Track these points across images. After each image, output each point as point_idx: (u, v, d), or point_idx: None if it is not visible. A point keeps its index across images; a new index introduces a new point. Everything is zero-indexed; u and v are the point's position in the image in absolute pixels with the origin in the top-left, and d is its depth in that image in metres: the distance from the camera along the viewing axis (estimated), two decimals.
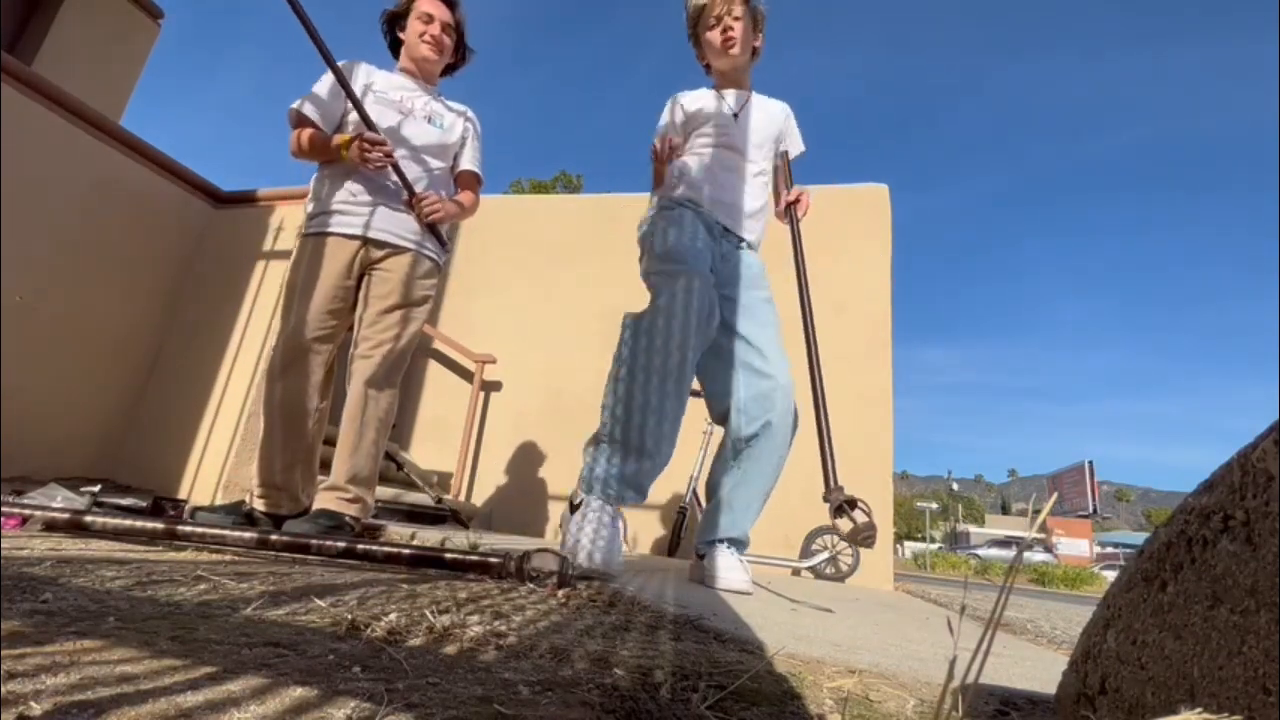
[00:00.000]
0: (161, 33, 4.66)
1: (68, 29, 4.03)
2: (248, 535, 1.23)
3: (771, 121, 1.94)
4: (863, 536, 1.41)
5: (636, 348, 1.56)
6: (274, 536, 1.23)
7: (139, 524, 1.22)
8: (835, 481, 1.55)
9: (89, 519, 1.24)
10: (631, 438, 1.50)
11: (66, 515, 1.23)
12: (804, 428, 1.77)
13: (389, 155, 1.83)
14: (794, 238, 1.92)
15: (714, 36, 1.85)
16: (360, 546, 1.15)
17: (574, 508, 1.51)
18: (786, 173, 2.01)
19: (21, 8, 3.97)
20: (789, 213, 1.95)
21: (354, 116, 1.90)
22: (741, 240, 1.87)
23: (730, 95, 1.91)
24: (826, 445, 1.61)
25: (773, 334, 1.78)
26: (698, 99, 1.90)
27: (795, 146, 2.03)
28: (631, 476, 1.51)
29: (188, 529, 1.22)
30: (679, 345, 1.55)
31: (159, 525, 1.23)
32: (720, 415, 1.76)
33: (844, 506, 1.48)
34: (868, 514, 1.46)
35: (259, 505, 1.85)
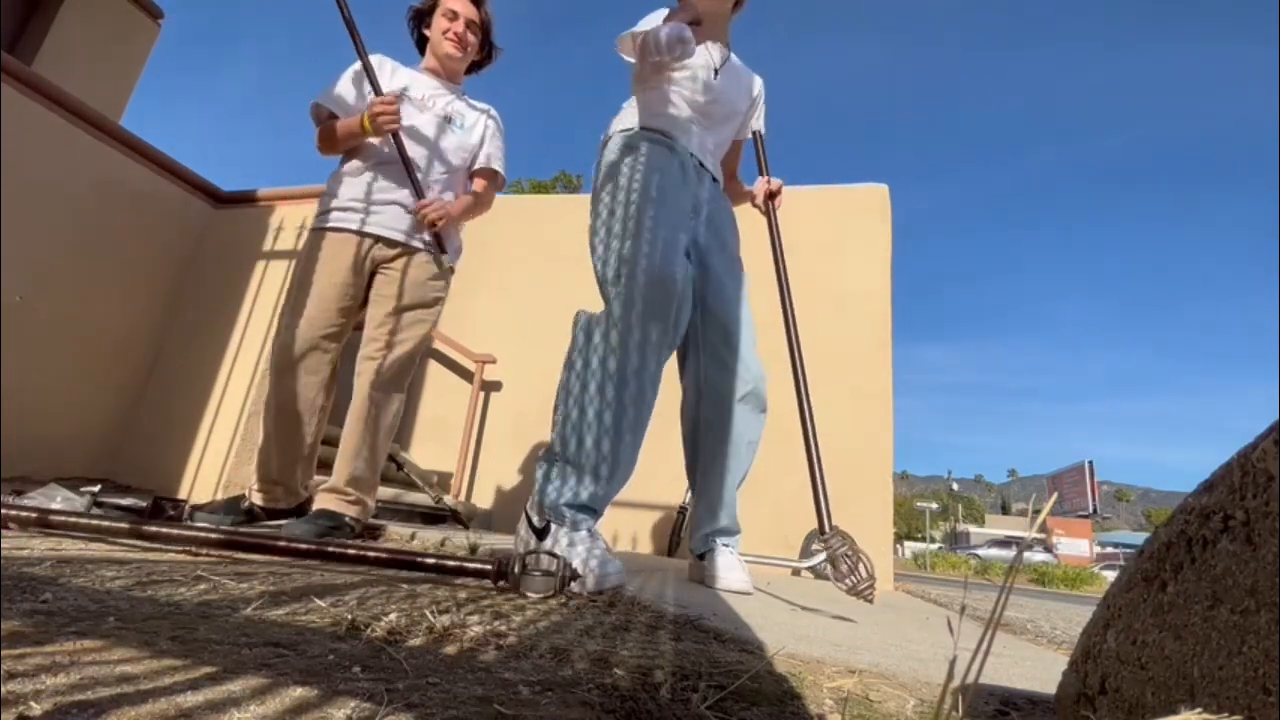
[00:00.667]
0: (161, 33, 4.66)
1: (68, 29, 4.03)
2: (246, 539, 1.23)
3: (749, 90, 1.79)
4: (863, 591, 1.38)
5: (591, 353, 1.36)
6: (273, 540, 1.23)
7: (146, 527, 1.22)
8: (830, 523, 1.48)
9: (72, 519, 1.24)
10: (585, 459, 1.31)
11: (35, 514, 1.21)
12: (795, 436, 1.71)
13: (396, 113, 1.78)
14: (772, 231, 1.80)
15: None
16: (352, 550, 1.15)
17: (539, 532, 1.34)
18: (763, 157, 1.86)
19: (21, 8, 3.97)
20: (769, 204, 1.83)
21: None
22: (714, 178, 1.70)
23: (715, 49, 1.71)
24: (818, 477, 1.52)
25: (743, 309, 1.67)
26: None
27: (760, 127, 1.89)
28: (588, 501, 1.32)
29: (184, 532, 1.21)
30: (641, 348, 1.34)
31: (159, 528, 1.23)
32: (685, 403, 1.69)
33: (844, 555, 1.44)
34: (867, 564, 1.41)
35: (258, 500, 1.85)
